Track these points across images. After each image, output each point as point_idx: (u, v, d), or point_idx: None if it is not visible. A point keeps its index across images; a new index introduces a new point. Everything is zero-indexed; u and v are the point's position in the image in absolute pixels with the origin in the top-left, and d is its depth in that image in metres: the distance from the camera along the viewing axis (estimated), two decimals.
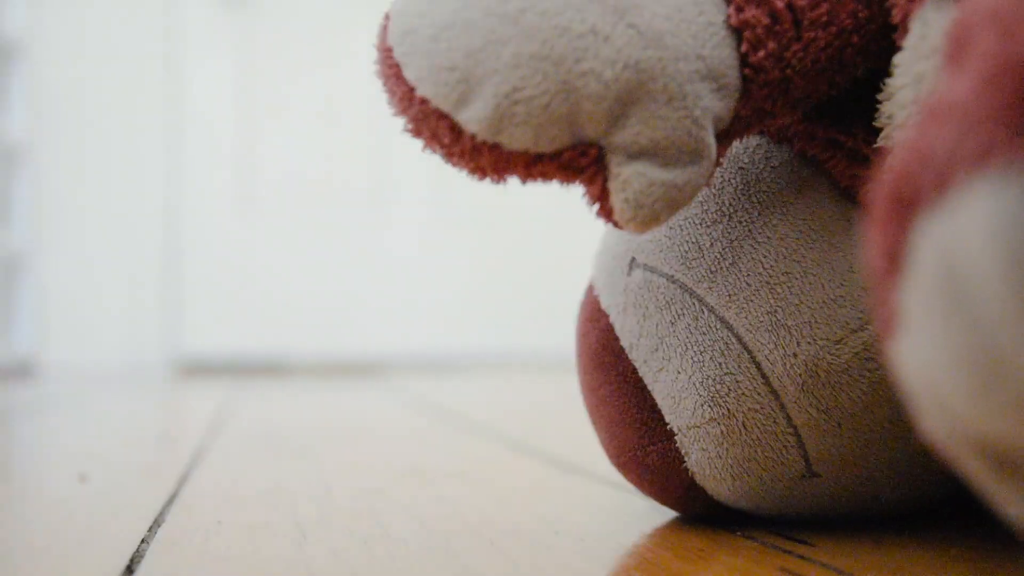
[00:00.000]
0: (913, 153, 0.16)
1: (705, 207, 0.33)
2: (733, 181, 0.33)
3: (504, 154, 0.26)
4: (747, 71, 0.28)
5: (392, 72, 0.27)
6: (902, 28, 0.27)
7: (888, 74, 0.28)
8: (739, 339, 0.31)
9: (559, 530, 0.35)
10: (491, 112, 0.25)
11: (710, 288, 0.32)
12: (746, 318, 0.31)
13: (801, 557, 0.30)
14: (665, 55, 0.26)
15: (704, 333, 0.32)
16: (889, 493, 0.33)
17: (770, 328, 0.31)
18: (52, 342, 2.20)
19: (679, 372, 0.32)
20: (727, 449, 0.32)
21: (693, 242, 0.33)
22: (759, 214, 0.32)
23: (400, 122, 0.27)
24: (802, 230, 0.32)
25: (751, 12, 0.27)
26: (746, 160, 0.33)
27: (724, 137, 0.29)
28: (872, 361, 0.31)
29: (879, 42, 0.29)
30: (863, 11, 0.29)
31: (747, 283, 0.31)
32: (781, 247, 0.32)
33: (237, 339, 2.67)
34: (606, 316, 0.34)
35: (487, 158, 0.26)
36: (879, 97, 0.29)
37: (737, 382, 0.31)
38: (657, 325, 0.33)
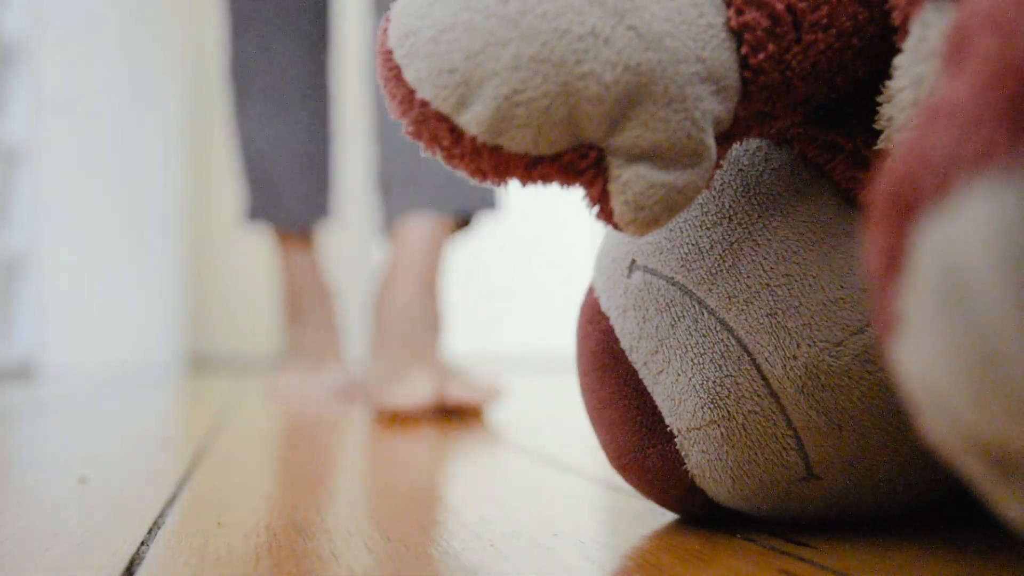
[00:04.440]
0: (913, 155, 0.16)
1: (705, 209, 0.33)
2: (733, 183, 0.33)
3: (504, 156, 0.26)
4: (747, 73, 0.28)
5: (392, 74, 0.27)
6: (902, 30, 0.27)
7: (888, 76, 0.28)
8: (739, 341, 0.31)
9: (558, 531, 0.35)
10: (491, 114, 0.25)
11: (710, 290, 0.32)
12: (746, 320, 0.31)
13: (801, 559, 0.30)
14: (665, 57, 0.26)
15: (704, 335, 0.32)
16: (889, 495, 0.33)
17: (770, 330, 0.31)
18: (52, 343, 2.20)
19: (679, 374, 0.32)
20: (727, 451, 0.32)
21: (693, 244, 0.33)
22: (759, 216, 0.32)
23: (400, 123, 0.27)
24: (802, 232, 0.32)
25: (751, 14, 0.27)
26: (746, 162, 0.33)
27: (724, 139, 0.29)
28: (872, 363, 0.31)
29: (879, 44, 0.29)
30: (863, 14, 0.29)
31: (747, 285, 0.31)
32: (781, 249, 0.32)
33: (236, 340, 2.67)
34: (606, 318, 0.34)
35: (487, 160, 0.26)
36: (879, 99, 0.29)
37: (737, 384, 0.31)
38: (657, 327, 0.33)
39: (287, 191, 1.20)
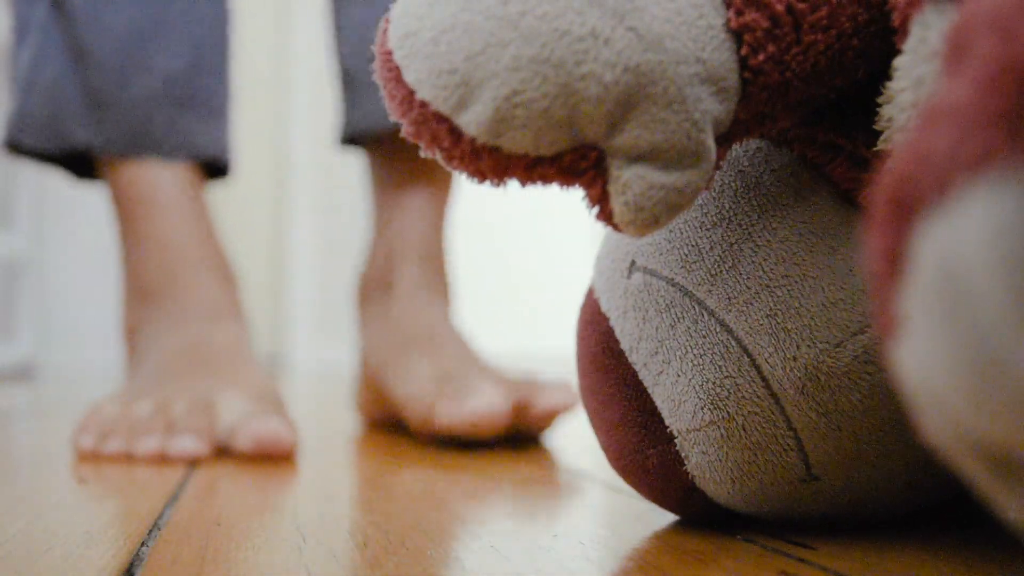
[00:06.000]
0: (913, 156, 0.16)
1: (705, 210, 0.33)
2: (733, 184, 0.33)
3: (504, 157, 0.26)
4: (747, 74, 0.28)
5: (392, 75, 0.27)
6: (902, 31, 0.27)
7: (888, 77, 0.28)
8: (739, 342, 0.31)
9: (558, 533, 0.35)
10: (491, 115, 0.25)
11: (710, 291, 0.32)
12: (746, 321, 0.31)
13: (801, 560, 0.30)
14: (665, 58, 0.26)
15: (704, 336, 0.32)
16: (889, 496, 0.33)
17: (770, 331, 0.31)
18: (53, 345, 2.20)
19: (679, 375, 0.32)
20: (727, 452, 0.32)
21: (693, 245, 0.33)
22: (759, 217, 0.32)
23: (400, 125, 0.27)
24: (802, 233, 0.32)
25: (751, 15, 0.27)
26: (746, 163, 0.33)
27: (724, 140, 0.29)
28: (872, 364, 0.31)
29: (879, 45, 0.29)
30: (863, 14, 0.29)
31: (747, 286, 0.31)
32: (781, 250, 0.32)
33: None
34: (606, 319, 0.34)
35: (487, 161, 0.26)
36: (879, 100, 0.29)
37: (737, 385, 0.31)
38: (657, 328, 0.33)
39: (148, 86, 0.70)
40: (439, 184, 0.78)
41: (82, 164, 0.74)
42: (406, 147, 0.77)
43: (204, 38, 0.73)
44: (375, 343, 0.75)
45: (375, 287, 0.77)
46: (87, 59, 0.69)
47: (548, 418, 0.63)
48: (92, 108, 0.70)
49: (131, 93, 0.70)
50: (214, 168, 0.76)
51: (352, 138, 0.80)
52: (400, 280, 0.75)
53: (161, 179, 0.70)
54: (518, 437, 0.65)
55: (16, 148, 0.72)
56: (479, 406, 0.61)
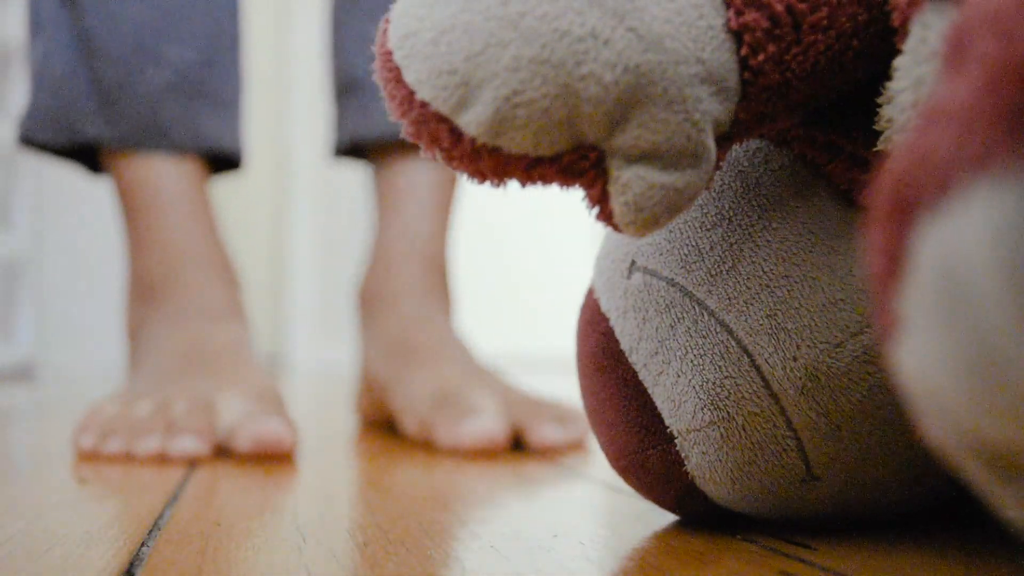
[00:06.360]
0: (913, 156, 0.16)
1: (705, 210, 0.33)
2: (733, 185, 0.33)
3: (504, 157, 0.26)
4: (747, 75, 0.28)
5: (392, 75, 0.27)
6: (902, 31, 0.27)
7: (888, 78, 0.28)
8: (739, 342, 0.31)
9: (559, 533, 0.35)
10: (491, 115, 0.25)
11: (710, 292, 0.32)
12: (746, 321, 0.31)
13: (801, 560, 0.30)
14: (665, 59, 0.26)
15: (704, 336, 0.32)
16: (889, 496, 0.33)
17: (770, 332, 0.31)
18: (52, 345, 2.20)
19: (679, 375, 0.32)
20: (727, 452, 0.32)
21: (693, 245, 0.33)
22: (759, 217, 0.32)
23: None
24: (802, 233, 0.32)
25: (751, 15, 0.27)
26: (746, 164, 0.33)
27: (724, 141, 0.29)
28: (872, 364, 0.31)
29: (879, 45, 0.30)
30: (863, 15, 0.29)
31: (747, 287, 0.31)
32: (781, 250, 0.32)
33: None
34: (606, 319, 0.34)
35: (487, 161, 0.26)
36: (879, 100, 0.29)
37: (737, 385, 0.31)
38: (657, 328, 0.33)
39: (162, 84, 0.70)
40: (442, 192, 0.78)
41: (95, 158, 0.75)
42: (410, 153, 0.77)
43: (214, 30, 0.73)
44: (375, 351, 0.74)
45: (376, 294, 0.77)
46: (96, 52, 0.69)
47: (543, 452, 0.61)
48: (101, 101, 0.70)
49: (141, 86, 0.70)
50: (226, 161, 0.76)
51: (355, 146, 0.80)
52: (401, 288, 0.75)
53: (166, 176, 0.70)
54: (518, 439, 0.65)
55: (28, 142, 0.72)
56: (477, 433, 0.60)
